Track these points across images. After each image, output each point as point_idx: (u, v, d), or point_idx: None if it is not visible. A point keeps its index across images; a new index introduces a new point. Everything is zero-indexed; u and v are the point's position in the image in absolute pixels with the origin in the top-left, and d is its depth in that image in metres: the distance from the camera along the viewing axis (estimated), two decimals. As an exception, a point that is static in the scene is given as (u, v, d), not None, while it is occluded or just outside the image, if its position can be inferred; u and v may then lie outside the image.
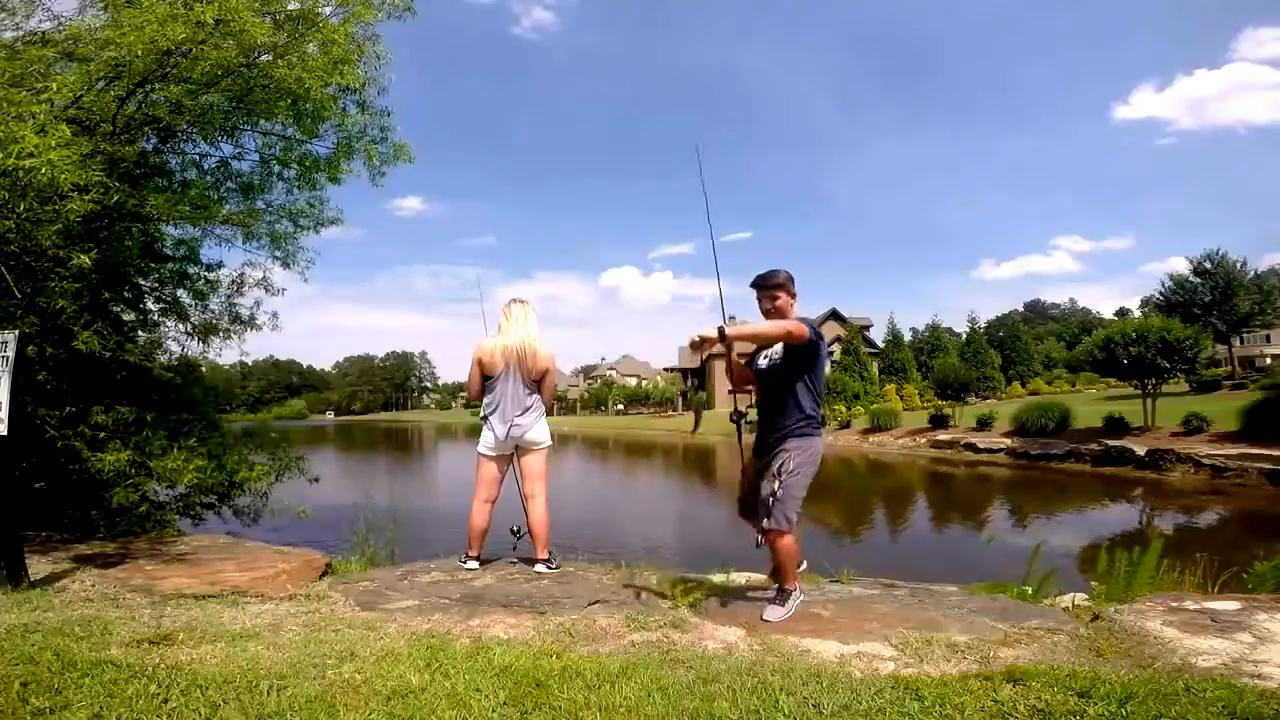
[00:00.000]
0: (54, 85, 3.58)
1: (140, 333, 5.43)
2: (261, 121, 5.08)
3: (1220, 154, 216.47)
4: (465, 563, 3.70)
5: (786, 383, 2.87)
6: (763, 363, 3.01)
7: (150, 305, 5.51)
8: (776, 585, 2.96)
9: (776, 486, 2.74)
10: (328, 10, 4.69)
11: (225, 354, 5.83)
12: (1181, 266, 37.33)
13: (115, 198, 3.81)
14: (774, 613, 2.76)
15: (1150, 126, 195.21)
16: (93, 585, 3.19)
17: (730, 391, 3.15)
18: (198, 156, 5.23)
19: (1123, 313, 74.94)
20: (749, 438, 3.04)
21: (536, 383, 3.69)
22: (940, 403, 26.57)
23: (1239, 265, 35.20)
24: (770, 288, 2.90)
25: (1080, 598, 3.38)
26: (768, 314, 2.92)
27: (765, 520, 2.75)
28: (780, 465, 2.78)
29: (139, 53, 3.70)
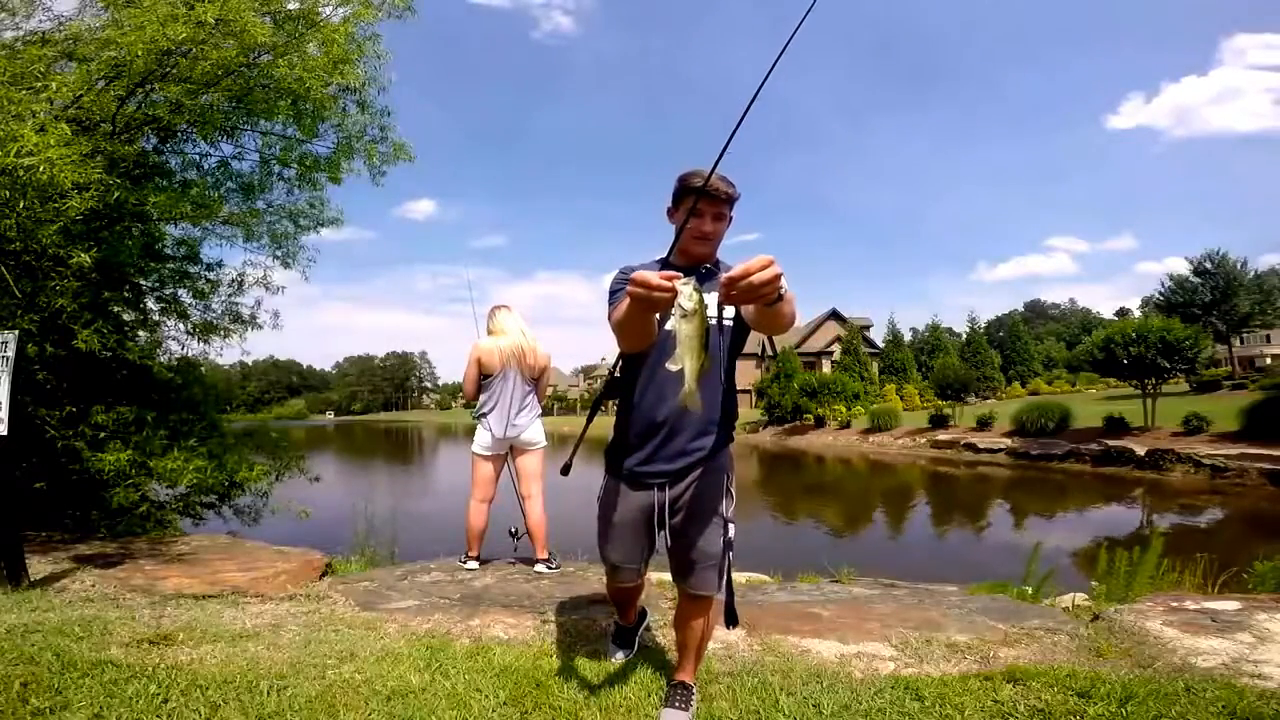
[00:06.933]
0: (54, 85, 3.58)
1: (140, 332, 5.42)
2: (261, 121, 5.08)
3: (1211, 159, 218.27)
4: (465, 563, 3.71)
5: (729, 360, 1.88)
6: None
7: (151, 304, 5.51)
8: (677, 680, 1.94)
9: (730, 532, 1.88)
10: (328, 10, 4.69)
11: (225, 354, 5.83)
12: (1180, 266, 37.44)
13: (116, 194, 3.82)
14: (677, 718, 1.86)
15: (1143, 135, 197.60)
16: (93, 585, 3.19)
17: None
18: (198, 156, 5.24)
19: (1123, 313, 75.05)
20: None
21: (535, 381, 3.72)
22: (940, 403, 26.59)
23: (1239, 265, 35.23)
24: (726, 202, 1.83)
25: (1080, 598, 3.38)
26: (702, 238, 1.83)
27: (704, 582, 1.85)
28: (726, 497, 1.88)
29: (139, 53, 3.71)
